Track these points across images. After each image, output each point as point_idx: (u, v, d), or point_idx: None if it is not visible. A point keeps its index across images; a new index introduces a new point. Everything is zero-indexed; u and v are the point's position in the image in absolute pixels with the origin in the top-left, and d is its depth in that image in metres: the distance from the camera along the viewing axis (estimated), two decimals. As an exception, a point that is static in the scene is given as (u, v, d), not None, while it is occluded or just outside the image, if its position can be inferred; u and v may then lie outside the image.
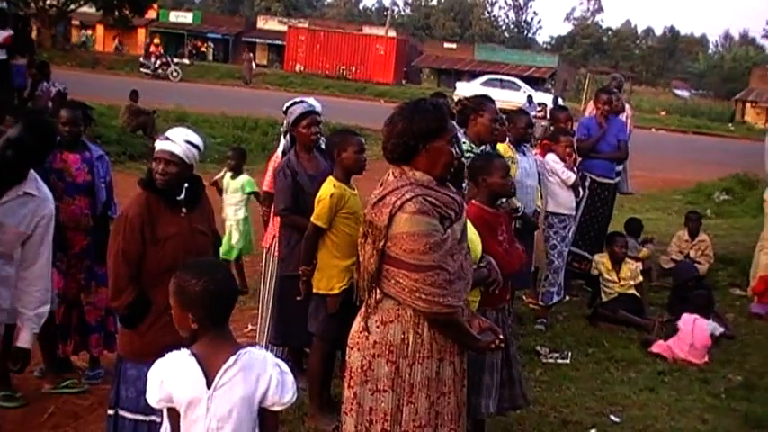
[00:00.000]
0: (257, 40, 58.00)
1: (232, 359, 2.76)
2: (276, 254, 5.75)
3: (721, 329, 7.24)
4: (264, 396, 2.80)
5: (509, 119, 7.10)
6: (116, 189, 5.79)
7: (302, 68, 49.41)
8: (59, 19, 42.39)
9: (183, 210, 4.02)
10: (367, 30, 57.97)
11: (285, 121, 5.74)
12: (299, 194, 5.33)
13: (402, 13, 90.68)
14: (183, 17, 59.17)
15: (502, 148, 6.57)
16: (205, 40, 57.42)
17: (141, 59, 41.44)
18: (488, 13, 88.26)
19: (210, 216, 4.28)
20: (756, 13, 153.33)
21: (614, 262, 7.98)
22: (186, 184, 4.05)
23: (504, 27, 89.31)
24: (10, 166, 3.92)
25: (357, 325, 3.38)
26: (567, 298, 8.28)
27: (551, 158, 7.58)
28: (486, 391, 4.62)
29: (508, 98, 33.56)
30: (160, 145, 3.97)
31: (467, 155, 5.64)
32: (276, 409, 2.85)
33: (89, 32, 53.21)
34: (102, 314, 5.56)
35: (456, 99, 6.64)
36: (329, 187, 4.97)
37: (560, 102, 26.44)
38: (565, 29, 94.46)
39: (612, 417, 5.72)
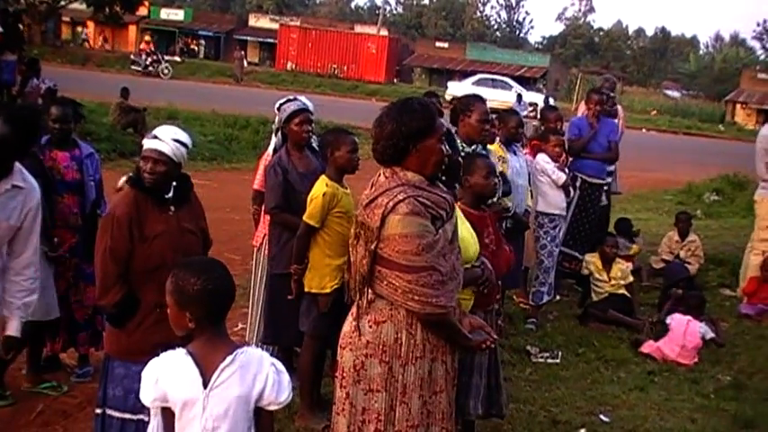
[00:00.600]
0: (249, 38, 57.93)
1: (229, 358, 2.75)
2: (267, 252, 5.73)
3: (712, 335, 7.25)
4: (261, 395, 2.79)
5: (500, 118, 7.10)
6: (107, 186, 5.76)
7: (293, 67, 49.37)
8: (50, 15, 42.24)
9: (172, 208, 4.01)
10: (359, 28, 57.95)
11: (277, 118, 5.72)
12: (290, 193, 5.31)
13: (394, 11, 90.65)
14: (175, 14, 58.99)
15: (493, 147, 6.57)
16: (196, 38, 57.29)
17: (132, 56, 41.36)
18: (480, 12, 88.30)
19: (200, 215, 4.26)
20: (747, 14, 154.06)
21: (605, 262, 7.99)
22: (175, 183, 4.03)
23: (495, 26, 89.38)
24: None
25: (349, 325, 3.37)
26: (558, 298, 8.30)
27: (542, 158, 7.59)
28: (474, 391, 4.63)
29: (500, 98, 33.61)
30: (148, 143, 3.95)
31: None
32: (272, 408, 2.85)
33: (87, 29, 52.94)
34: (90, 312, 5.53)
35: (449, 98, 6.63)
36: (322, 186, 4.96)
37: (551, 101, 26.44)
38: (556, 29, 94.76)
39: (602, 416, 5.72)
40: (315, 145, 5.63)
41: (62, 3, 40.56)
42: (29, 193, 4.07)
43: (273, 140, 5.93)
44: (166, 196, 3.99)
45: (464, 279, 3.48)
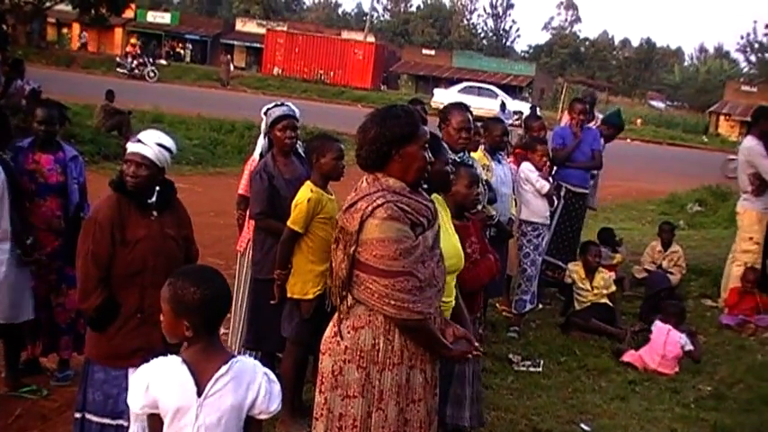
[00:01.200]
0: (235, 43, 57.86)
1: (225, 368, 2.75)
2: (251, 257, 5.72)
3: (691, 347, 7.28)
4: (253, 405, 2.81)
5: (484, 127, 7.12)
6: (91, 189, 5.74)
7: (280, 72, 49.34)
8: (35, 16, 41.95)
9: (154, 213, 4.00)
10: (346, 34, 57.99)
11: (263, 123, 5.72)
12: (275, 198, 5.31)
13: (381, 18, 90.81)
14: (161, 17, 58.87)
15: (477, 155, 6.59)
16: (182, 41, 57.15)
17: (118, 59, 41.22)
18: (467, 20, 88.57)
19: (185, 222, 4.25)
20: (731, 27, 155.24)
21: (588, 271, 8.02)
22: (158, 188, 4.02)
23: (482, 35, 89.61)
24: None
25: (330, 330, 3.37)
26: (540, 306, 8.32)
27: (526, 167, 7.62)
28: (467, 402, 4.64)
29: (485, 106, 33.65)
30: (132, 147, 3.94)
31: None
32: (263, 417, 2.86)
33: (82, 32, 52.64)
34: (72, 316, 5.50)
35: (435, 106, 6.64)
36: (307, 192, 4.96)
37: (538, 111, 26.53)
38: (543, 38, 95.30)
39: (583, 425, 5.74)
40: (301, 151, 5.64)
41: (47, 4, 40.37)
42: None
43: (259, 145, 5.93)
44: (149, 201, 3.98)
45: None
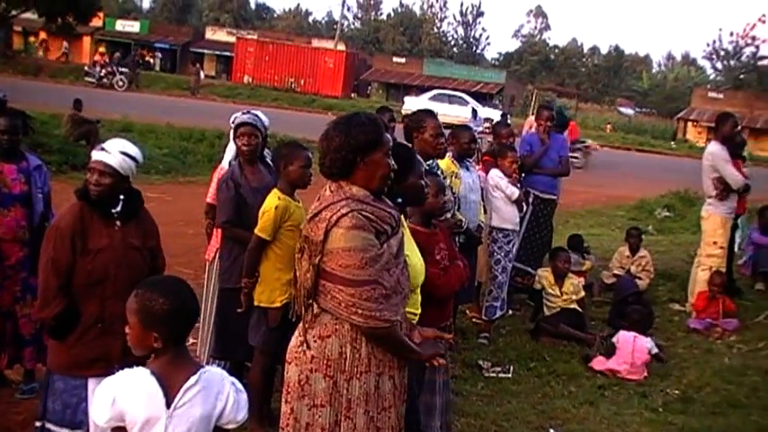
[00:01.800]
0: (205, 51, 57.62)
1: (194, 378, 2.74)
2: (218, 266, 5.70)
3: (656, 350, 7.35)
4: (221, 415, 2.80)
5: (452, 134, 7.13)
6: (58, 199, 5.70)
7: (250, 80, 49.21)
8: (0, 24, 41.55)
9: (118, 223, 3.97)
10: (316, 43, 57.95)
11: (231, 132, 5.71)
12: (242, 207, 5.29)
13: (352, 26, 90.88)
14: (130, 26, 58.48)
15: (445, 163, 6.59)
16: (152, 50, 56.83)
17: (86, 68, 40.92)
18: (437, 28, 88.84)
19: (151, 233, 4.22)
20: (697, 35, 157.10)
21: (557, 277, 8.06)
22: (124, 197, 3.99)
23: (452, 42, 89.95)
24: None
25: (295, 339, 3.35)
26: (510, 312, 8.34)
27: (496, 174, 7.64)
28: (437, 411, 4.64)
29: (456, 113, 33.80)
30: (95, 155, 3.92)
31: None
32: (231, 427, 2.86)
33: (66, 44, 52.07)
34: (37, 327, 5.44)
35: (402, 115, 6.66)
36: (274, 199, 4.95)
37: (508, 118, 26.67)
38: (513, 45, 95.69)
39: (552, 431, 5.76)
40: (268, 159, 5.62)
41: (13, 12, 39.96)
42: None
43: (228, 153, 5.91)
44: (113, 210, 3.95)
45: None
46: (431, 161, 5.94)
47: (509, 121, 21.23)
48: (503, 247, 7.62)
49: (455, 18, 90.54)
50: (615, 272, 9.57)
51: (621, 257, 9.62)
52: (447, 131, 6.78)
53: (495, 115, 29.77)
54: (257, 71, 49.94)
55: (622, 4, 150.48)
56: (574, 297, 8.04)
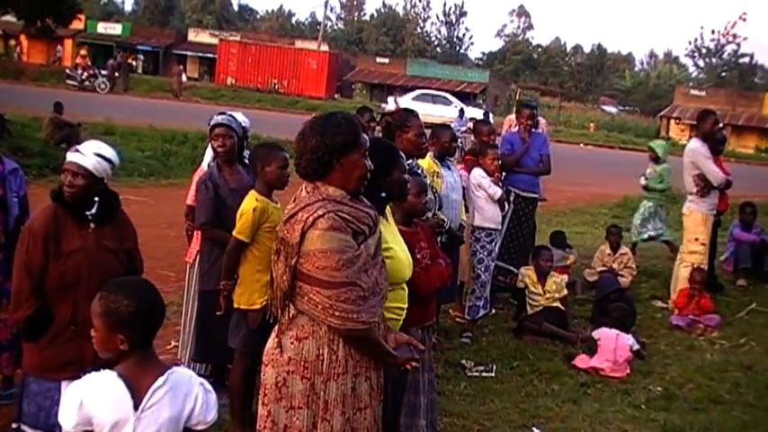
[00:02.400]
0: (188, 53, 57.41)
1: (161, 380, 2.72)
2: (198, 269, 5.67)
3: (637, 346, 7.37)
4: (190, 416, 2.79)
5: (433, 133, 7.12)
6: (38, 202, 5.62)
7: (233, 82, 49.11)
8: (-22, 28, 41.33)
9: (92, 225, 3.94)
10: (299, 44, 57.85)
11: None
12: (221, 208, 5.27)
13: (335, 27, 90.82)
14: (112, 28, 58.19)
15: (426, 162, 6.58)
16: (135, 52, 56.58)
17: (68, 71, 40.71)
18: (421, 28, 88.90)
19: (128, 235, 4.19)
20: (679, 33, 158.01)
21: (540, 275, 8.05)
22: (99, 199, 3.96)
23: (436, 42, 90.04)
24: None
25: (272, 341, 3.33)
26: (493, 311, 8.33)
27: (478, 173, 7.63)
28: (420, 412, 4.62)
29: (439, 113, 33.86)
30: (69, 157, 3.90)
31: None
32: (200, 428, 2.84)
33: (60, 47, 51.76)
34: (14, 332, 5.37)
35: (379, 115, 6.66)
36: (252, 201, 4.93)
37: (491, 117, 26.74)
38: (496, 45, 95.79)
39: (535, 429, 5.76)
40: (247, 160, 5.60)
41: (-8, 15, 39.68)
42: None
43: (207, 155, 5.89)
44: (88, 213, 3.92)
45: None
46: (411, 161, 5.92)
47: (491, 120, 21.29)
48: (485, 247, 7.62)
49: (438, 18, 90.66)
50: (598, 270, 9.58)
51: (603, 255, 9.64)
52: (428, 131, 6.79)
53: (479, 115, 29.81)
54: (240, 73, 49.84)
55: (605, 3, 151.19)
56: (557, 295, 8.04)
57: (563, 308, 8.06)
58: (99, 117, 21.43)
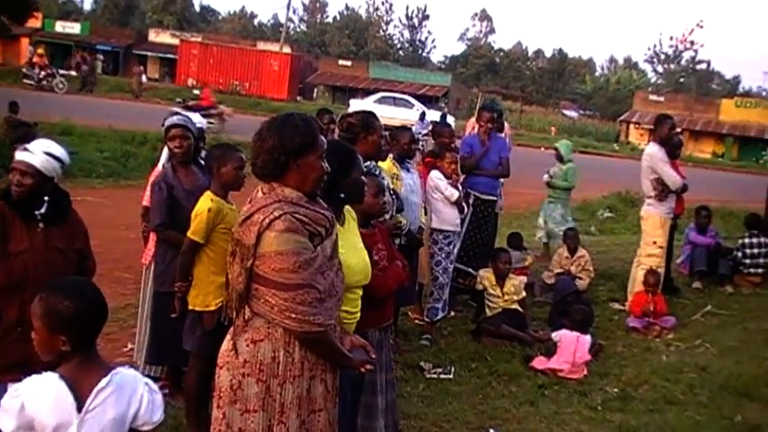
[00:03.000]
0: (149, 53, 57.02)
1: (105, 381, 2.67)
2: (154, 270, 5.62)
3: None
4: (135, 416, 2.75)
5: (392, 136, 7.13)
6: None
7: (195, 83, 48.72)
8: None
9: (41, 225, 3.87)
10: (262, 45, 57.73)
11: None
12: (176, 209, 5.23)
13: (297, 29, 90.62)
14: (71, 28, 57.58)
15: (386, 165, 6.58)
16: (94, 52, 55.96)
17: (24, 70, 40.12)
18: (383, 31, 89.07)
19: (79, 235, 4.13)
20: (639, 39, 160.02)
21: (498, 277, 8.08)
22: (49, 199, 3.90)
23: (398, 45, 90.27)
24: None
25: (226, 344, 3.30)
26: (452, 313, 8.35)
27: (436, 175, 7.65)
28: (378, 412, 4.61)
29: (402, 116, 33.89)
30: (18, 155, 3.85)
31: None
32: (146, 429, 2.80)
33: (31, 47, 50.62)
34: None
35: (341, 117, 6.63)
36: (207, 202, 4.90)
37: (449, 118, 26.84)
38: (458, 49, 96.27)
39: (492, 431, 5.77)
40: (203, 161, 5.56)
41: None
42: None
43: (163, 156, 5.84)
44: (37, 212, 3.86)
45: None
46: (369, 162, 5.91)
47: (450, 122, 21.35)
48: (443, 249, 7.64)
49: (401, 21, 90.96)
50: (556, 272, 9.65)
51: (561, 258, 9.70)
52: (386, 133, 6.78)
53: (438, 117, 29.93)
54: (202, 74, 49.45)
55: (566, 9, 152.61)
56: (515, 297, 8.08)
57: (521, 310, 8.10)
58: (57, 117, 21.11)
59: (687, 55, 76.89)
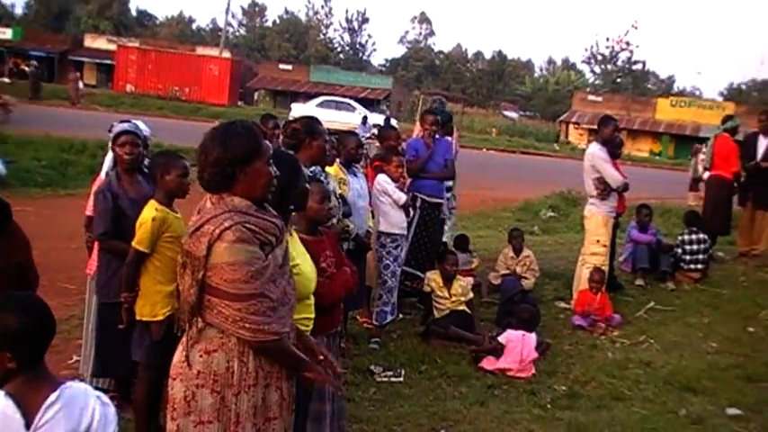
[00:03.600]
0: (85, 59, 56.09)
1: (53, 396, 2.60)
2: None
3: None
4: (88, 431, 2.67)
5: (339, 140, 7.13)
6: None
7: (133, 89, 48.12)
8: None
9: None
10: (201, 50, 57.22)
11: (110, 141, 5.56)
12: (121, 218, 5.15)
13: (237, 33, 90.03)
14: (2, 33, 56.37)
15: (333, 170, 6.58)
16: (27, 58, 54.81)
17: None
18: (323, 35, 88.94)
19: (18, 247, 4.04)
20: (576, 40, 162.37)
21: (445, 279, 8.13)
22: None
23: (339, 49, 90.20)
24: None
25: (179, 355, 3.26)
26: (401, 316, 8.37)
27: (382, 179, 7.67)
28: (326, 419, 4.60)
29: (344, 119, 33.91)
30: None
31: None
32: None
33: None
34: None
35: (284, 123, 6.62)
36: (151, 211, 4.84)
37: (393, 122, 26.90)
38: (399, 51, 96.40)
39: (443, 432, 5.81)
40: (146, 169, 5.49)
41: None
42: None
43: (106, 164, 5.75)
44: None
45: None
46: (315, 167, 5.90)
47: (393, 124, 21.39)
48: (391, 252, 7.66)
49: (341, 24, 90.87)
50: (502, 273, 9.73)
51: (506, 258, 9.78)
52: (333, 138, 6.78)
53: (381, 121, 29.99)
54: (140, 79, 48.88)
55: (504, 11, 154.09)
56: (462, 299, 8.13)
57: (469, 311, 8.16)
58: (-9, 126, 20.68)
59: (623, 56, 78.20)
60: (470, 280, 8.93)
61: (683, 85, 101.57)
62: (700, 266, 10.49)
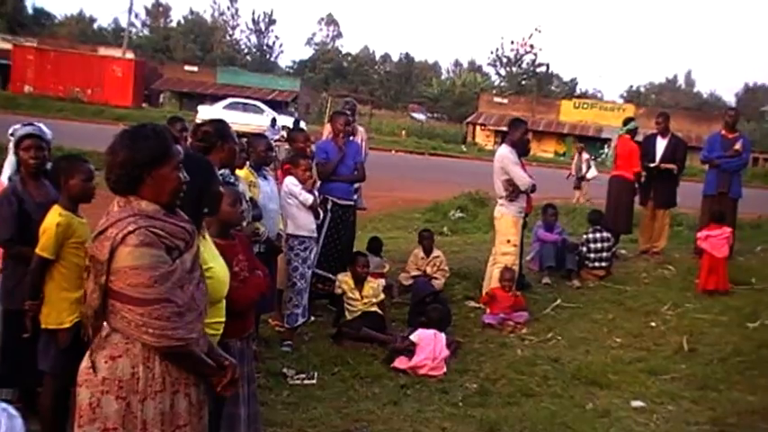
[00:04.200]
0: (-23, 59, 54.01)
1: None
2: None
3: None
4: None
5: (248, 143, 7.07)
6: None
7: (31, 90, 46.60)
8: None
9: None
10: (103, 51, 55.84)
11: (11, 144, 5.39)
12: (27, 223, 5.00)
13: (140, 34, 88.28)
14: None
15: (243, 173, 6.52)
16: None
17: None
18: (230, 36, 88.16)
19: None
20: (482, 43, 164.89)
21: (357, 281, 8.16)
22: None
23: (246, 50, 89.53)
24: None
25: (85, 361, 3.18)
26: (312, 319, 8.36)
27: (290, 181, 7.64)
28: (240, 423, 4.54)
29: (252, 121, 33.61)
30: None
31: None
32: None
33: None
34: None
35: (194, 127, 6.52)
36: (55, 216, 4.72)
37: (302, 124, 26.81)
38: (306, 53, 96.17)
39: (358, 433, 5.82)
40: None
41: None
42: None
43: (7, 168, 5.57)
44: None
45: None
46: (225, 171, 5.83)
47: (302, 126, 21.30)
48: (300, 255, 7.63)
49: (247, 26, 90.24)
50: (413, 273, 9.80)
51: (417, 259, 9.87)
52: (243, 140, 6.72)
53: (290, 123, 29.86)
54: (39, 80, 47.28)
55: (411, 13, 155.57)
56: (374, 300, 8.18)
57: (381, 312, 8.21)
58: None
59: (528, 58, 79.66)
60: (382, 281, 8.97)
61: (586, 87, 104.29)
62: (604, 264, 10.77)
